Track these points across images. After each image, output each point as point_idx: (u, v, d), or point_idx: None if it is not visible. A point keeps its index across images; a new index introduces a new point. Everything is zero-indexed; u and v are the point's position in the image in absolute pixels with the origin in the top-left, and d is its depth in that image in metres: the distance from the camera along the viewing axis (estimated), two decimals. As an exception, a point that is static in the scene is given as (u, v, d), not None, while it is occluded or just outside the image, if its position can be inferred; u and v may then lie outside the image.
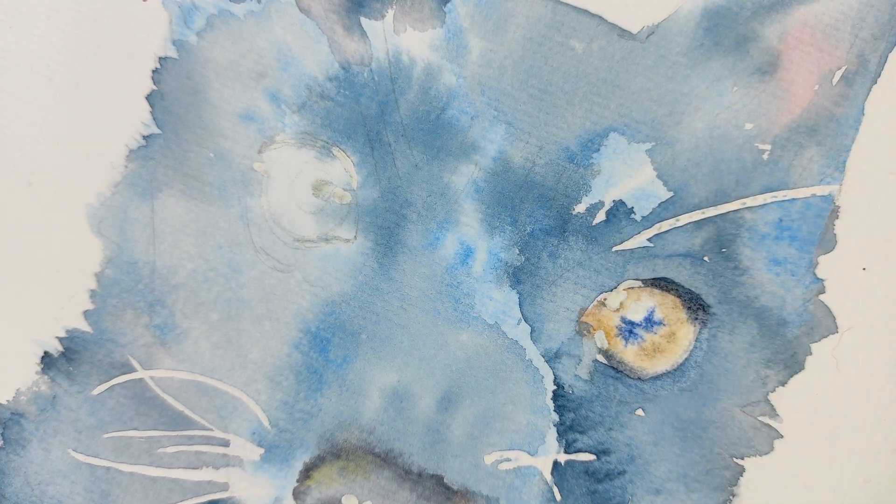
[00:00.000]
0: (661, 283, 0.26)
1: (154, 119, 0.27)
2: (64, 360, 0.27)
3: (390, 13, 0.26)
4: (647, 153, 0.26)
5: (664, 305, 0.26)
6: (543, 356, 0.26)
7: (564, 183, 0.26)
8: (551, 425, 0.26)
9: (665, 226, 0.26)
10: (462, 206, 0.26)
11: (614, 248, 0.26)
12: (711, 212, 0.26)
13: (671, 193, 0.26)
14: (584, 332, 0.26)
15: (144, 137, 0.27)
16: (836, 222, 0.26)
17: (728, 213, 0.26)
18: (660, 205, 0.26)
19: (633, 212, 0.26)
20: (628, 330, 0.26)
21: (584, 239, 0.26)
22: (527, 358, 0.26)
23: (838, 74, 0.26)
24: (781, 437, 0.26)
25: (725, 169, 0.26)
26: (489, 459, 0.26)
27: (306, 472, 0.27)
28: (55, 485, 0.27)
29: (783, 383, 0.26)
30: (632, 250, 0.26)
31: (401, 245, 0.26)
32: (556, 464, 0.26)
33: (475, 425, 0.26)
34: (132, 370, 0.27)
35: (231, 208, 0.27)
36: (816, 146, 0.26)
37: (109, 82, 0.27)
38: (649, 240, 0.26)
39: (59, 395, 0.27)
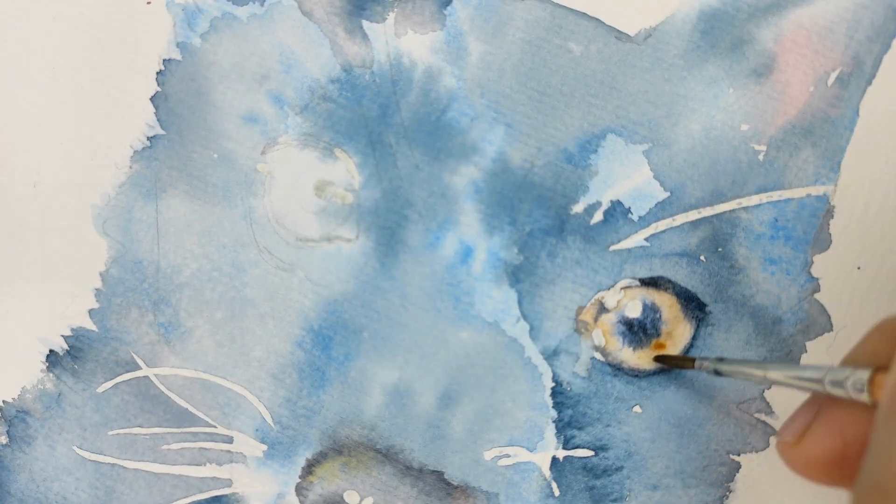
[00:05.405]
0: (658, 282, 0.26)
1: (158, 120, 0.27)
2: (69, 358, 0.27)
3: (391, 16, 0.26)
4: (644, 154, 0.26)
5: (661, 304, 0.26)
6: (542, 354, 0.26)
7: (563, 183, 0.26)
8: (550, 422, 0.26)
9: (662, 225, 0.26)
10: (462, 206, 0.26)
11: (611, 248, 0.26)
12: (707, 212, 0.26)
13: (668, 194, 0.26)
14: (582, 330, 0.26)
15: (149, 138, 0.27)
16: (831, 222, 0.26)
17: (724, 212, 0.26)
18: (656, 205, 0.26)
19: (631, 212, 0.26)
20: (625, 328, 0.26)
21: (582, 238, 0.26)
22: (525, 355, 0.26)
23: (833, 76, 0.26)
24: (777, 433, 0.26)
25: (721, 169, 0.26)
26: (489, 455, 0.26)
27: (309, 468, 0.27)
28: (60, 481, 0.27)
29: (778, 380, 0.26)
30: (629, 250, 0.26)
31: (402, 244, 0.27)
32: (554, 459, 0.26)
33: (475, 422, 0.26)
34: (137, 368, 0.27)
35: (235, 208, 0.27)
36: (811, 147, 0.26)
37: (114, 84, 0.27)
38: (646, 239, 0.26)
39: (65, 392, 0.27)
